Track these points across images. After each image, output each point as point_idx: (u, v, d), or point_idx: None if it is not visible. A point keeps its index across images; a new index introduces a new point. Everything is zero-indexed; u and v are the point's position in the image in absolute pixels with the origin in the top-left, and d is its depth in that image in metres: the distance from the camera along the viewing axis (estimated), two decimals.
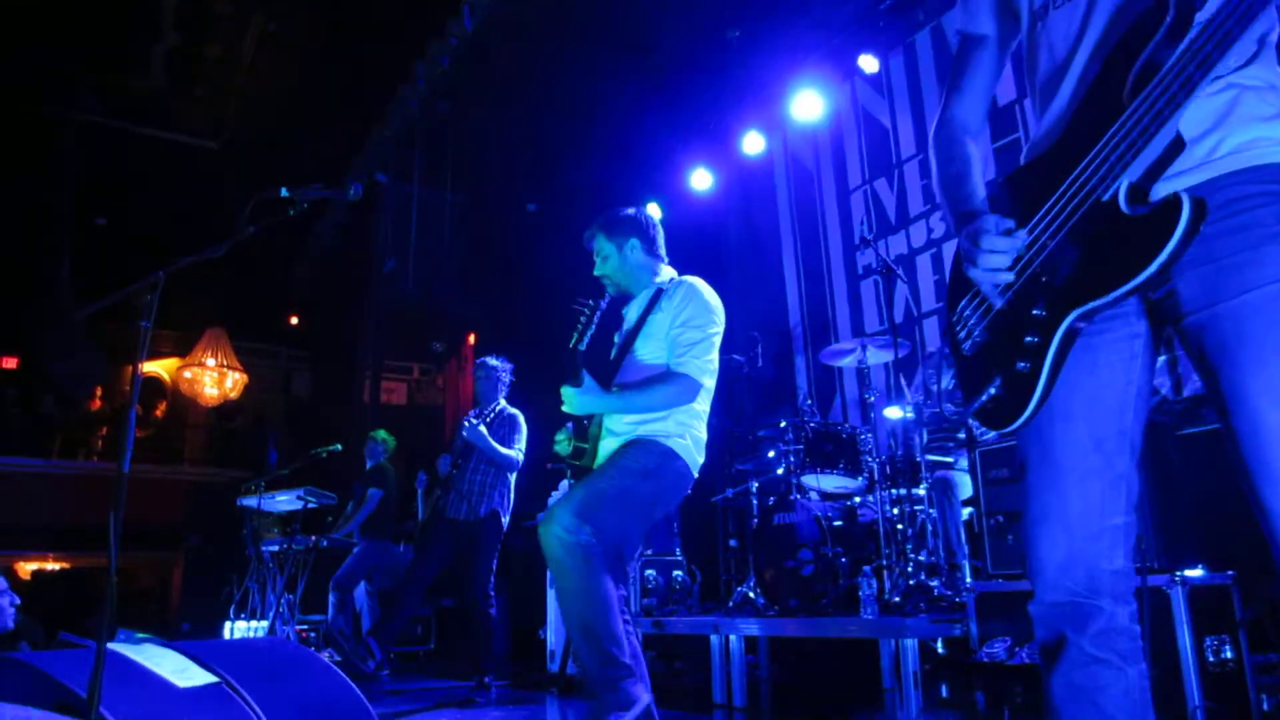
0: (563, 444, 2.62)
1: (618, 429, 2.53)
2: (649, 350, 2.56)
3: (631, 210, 2.77)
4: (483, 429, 4.53)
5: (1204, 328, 1.14)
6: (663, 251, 2.76)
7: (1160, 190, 1.13)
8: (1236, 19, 1.03)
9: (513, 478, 4.71)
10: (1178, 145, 1.10)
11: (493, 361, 4.87)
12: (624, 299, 2.76)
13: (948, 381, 3.51)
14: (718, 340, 2.55)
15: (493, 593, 4.49)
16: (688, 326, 2.49)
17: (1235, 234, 1.11)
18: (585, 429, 2.59)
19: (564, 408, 2.49)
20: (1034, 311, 1.25)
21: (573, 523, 2.25)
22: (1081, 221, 1.19)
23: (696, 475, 2.56)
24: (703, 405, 2.54)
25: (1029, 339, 1.26)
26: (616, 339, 2.72)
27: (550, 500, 5.67)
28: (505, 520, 4.63)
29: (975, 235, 1.29)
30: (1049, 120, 1.33)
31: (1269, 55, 1.19)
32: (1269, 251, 1.09)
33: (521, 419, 4.76)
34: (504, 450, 4.56)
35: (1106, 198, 1.15)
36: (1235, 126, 1.16)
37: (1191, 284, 1.15)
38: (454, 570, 4.75)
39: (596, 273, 2.73)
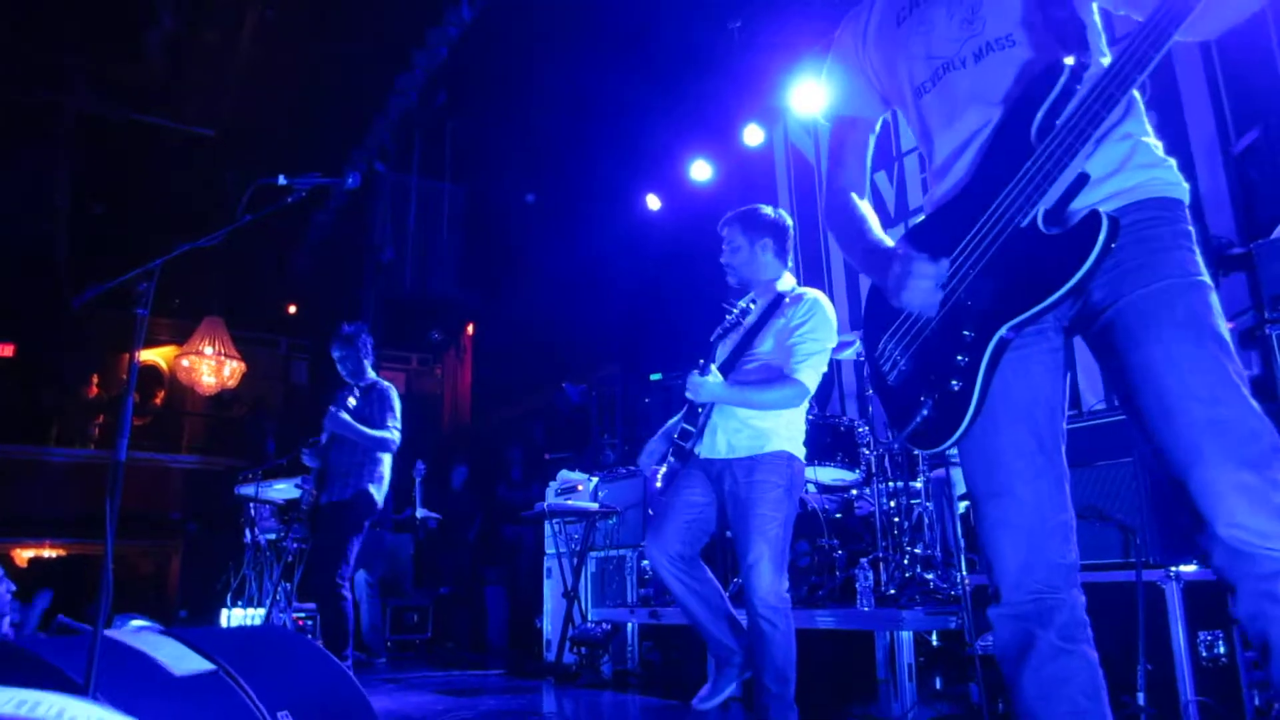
0: (673, 423, 2.81)
1: (734, 425, 2.69)
2: (766, 351, 2.73)
3: (772, 212, 2.89)
4: (345, 416, 4.19)
5: (1112, 322, 1.28)
6: (789, 259, 2.88)
7: (1074, 217, 1.26)
8: (1134, 63, 1.17)
9: (386, 455, 4.34)
10: (1083, 179, 1.28)
11: (349, 330, 4.39)
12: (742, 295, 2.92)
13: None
14: (829, 354, 2.73)
15: (343, 581, 4.06)
16: (807, 338, 2.66)
17: (1137, 245, 1.29)
18: (696, 414, 2.73)
19: (688, 393, 2.68)
20: (963, 333, 1.34)
21: (773, 588, 2.49)
22: (1004, 246, 1.31)
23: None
24: (805, 406, 2.76)
25: (960, 359, 1.34)
26: (735, 336, 2.86)
27: (549, 490, 5.67)
28: (379, 498, 4.27)
29: (905, 271, 1.38)
30: (954, 174, 1.44)
31: (1137, 107, 1.38)
32: (1164, 258, 1.28)
33: (393, 392, 4.38)
34: (372, 433, 4.22)
35: (1025, 223, 1.29)
36: (1134, 169, 1.34)
37: (1101, 288, 1.30)
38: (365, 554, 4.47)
39: (723, 260, 2.86)
